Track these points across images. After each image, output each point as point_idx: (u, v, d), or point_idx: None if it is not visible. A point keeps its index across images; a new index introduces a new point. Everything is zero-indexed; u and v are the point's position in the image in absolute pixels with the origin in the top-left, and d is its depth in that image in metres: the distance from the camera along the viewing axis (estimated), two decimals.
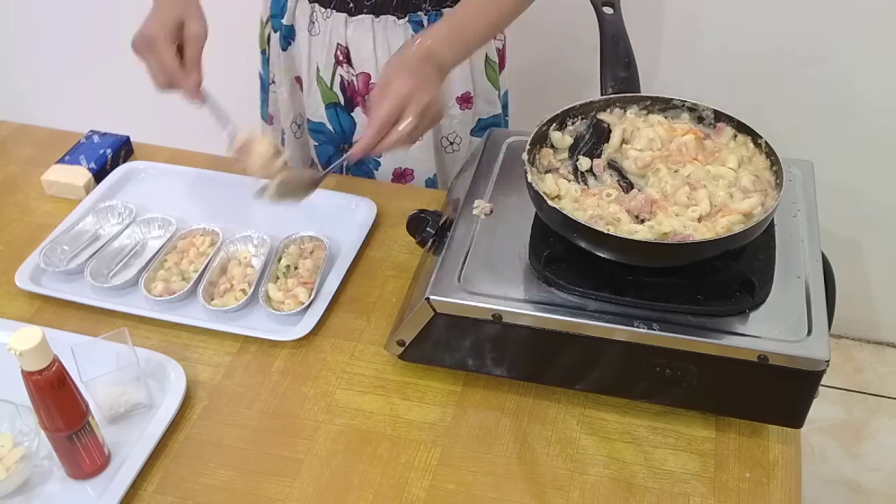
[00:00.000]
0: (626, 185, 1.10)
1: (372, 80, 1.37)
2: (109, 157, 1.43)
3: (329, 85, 1.40)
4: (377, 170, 1.47)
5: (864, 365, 2.28)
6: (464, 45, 1.15)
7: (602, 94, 1.16)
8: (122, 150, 1.46)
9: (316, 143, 1.49)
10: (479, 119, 1.46)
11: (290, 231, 1.25)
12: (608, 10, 1.19)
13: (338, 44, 1.35)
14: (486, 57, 1.41)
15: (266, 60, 1.49)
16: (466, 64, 1.37)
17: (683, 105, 1.14)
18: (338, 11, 1.32)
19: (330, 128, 1.45)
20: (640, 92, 1.16)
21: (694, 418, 1.03)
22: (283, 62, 1.43)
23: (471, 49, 1.19)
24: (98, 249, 1.24)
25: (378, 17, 1.30)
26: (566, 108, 1.13)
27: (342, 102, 1.41)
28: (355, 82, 1.38)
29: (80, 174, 1.38)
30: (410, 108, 1.02)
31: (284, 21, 1.39)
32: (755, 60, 1.89)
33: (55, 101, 2.37)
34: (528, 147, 1.07)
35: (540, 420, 1.03)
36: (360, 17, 1.31)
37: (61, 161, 1.41)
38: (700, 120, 1.14)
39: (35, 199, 1.39)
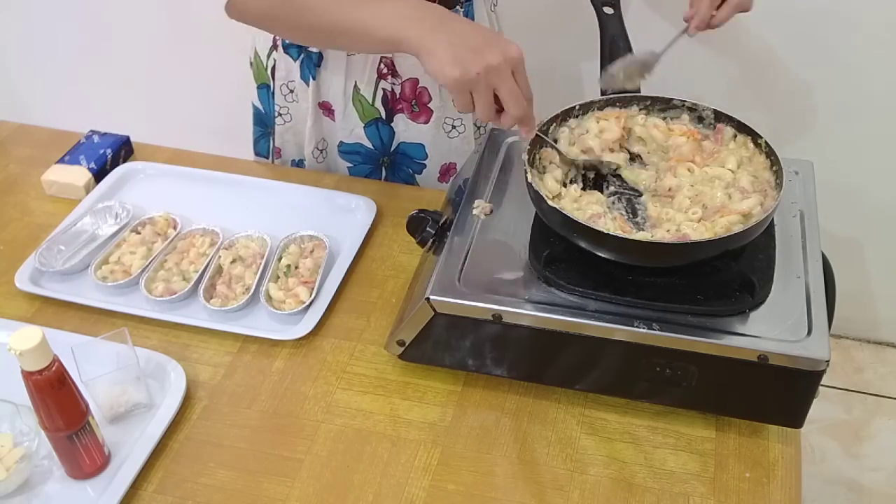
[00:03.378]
0: (627, 199, 1.10)
1: (420, 84, 1.35)
2: (109, 157, 1.43)
3: (371, 101, 1.37)
4: (420, 173, 1.45)
5: (864, 365, 2.28)
6: None
7: (602, 94, 1.16)
8: (122, 150, 1.46)
9: (350, 165, 1.45)
10: None
11: (290, 231, 1.25)
12: (608, 10, 1.19)
13: (381, 57, 1.32)
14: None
15: (270, 94, 1.43)
16: None
17: (683, 105, 1.14)
18: None
19: (369, 145, 1.42)
20: (640, 92, 1.16)
21: (694, 418, 1.03)
22: (311, 91, 1.37)
23: None
24: (94, 249, 1.24)
25: None
26: (566, 108, 1.13)
27: (383, 116, 1.39)
28: (397, 91, 1.36)
29: (80, 174, 1.38)
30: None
31: (312, 49, 1.34)
32: (755, 60, 1.89)
33: (55, 101, 2.37)
34: (527, 147, 1.07)
35: (540, 420, 1.03)
36: None
37: (61, 161, 1.41)
38: (700, 120, 1.14)
39: (35, 199, 1.39)
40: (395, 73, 1.34)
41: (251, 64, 1.45)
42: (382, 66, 1.33)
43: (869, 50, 1.82)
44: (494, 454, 1.00)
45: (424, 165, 1.45)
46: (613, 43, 1.17)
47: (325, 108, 1.40)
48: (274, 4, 1.16)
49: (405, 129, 1.40)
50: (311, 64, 1.35)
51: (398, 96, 1.37)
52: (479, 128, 1.47)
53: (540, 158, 1.11)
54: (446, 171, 1.47)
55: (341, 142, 1.43)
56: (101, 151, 1.42)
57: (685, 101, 1.14)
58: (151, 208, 1.32)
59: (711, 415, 1.03)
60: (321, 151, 1.45)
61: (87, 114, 1.77)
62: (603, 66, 1.17)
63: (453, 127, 1.41)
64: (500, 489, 0.96)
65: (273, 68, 1.40)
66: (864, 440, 2.09)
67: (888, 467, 2.03)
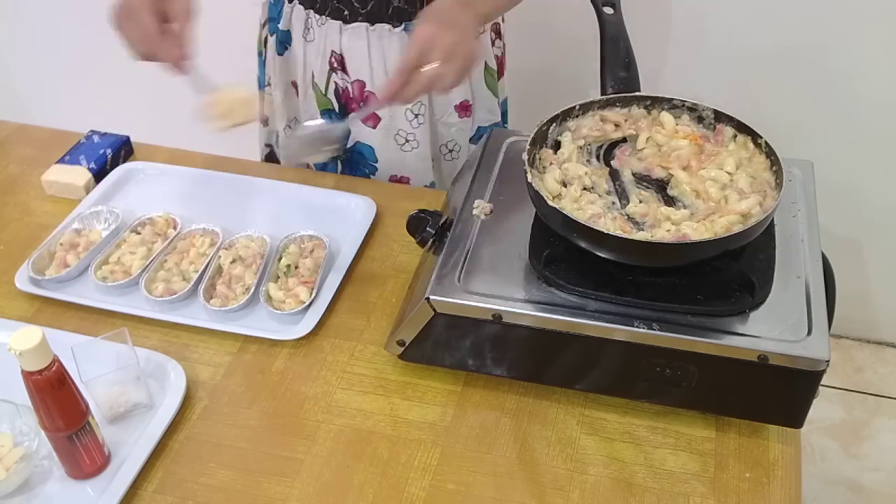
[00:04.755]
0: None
1: (367, 88, 1.36)
2: (109, 157, 1.43)
3: (324, 91, 1.40)
4: (373, 175, 1.47)
5: (864, 365, 2.28)
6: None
7: (602, 94, 1.16)
8: (122, 150, 1.46)
9: None
10: (478, 127, 1.46)
11: (290, 230, 1.25)
12: (608, 10, 1.19)
13: (332, 51, 1.35)
14: (486, 64, 1.40)
15: (263, 63, 1.49)
16: None
17: (683, 105, 1.14)
18: (332, 19, 1.32)
19: None
20: (640, 92, 1.16)
21: (694, 418, 1.03)
22: (279, 66, 1.43)
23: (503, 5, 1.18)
24: (90, 252, 1.23)
25: (373, 25, 1.30)
26: (566, 107, 1.13)
27: (336, 109, 1.41)
28: (350, 89, 1.37)
29: (80, 174, 1.38)
30: (435, 52, 0.99)
31: (281, 26, 1.39)
32: (755, 60, 1.89)
33: (55, 101, 2.37)
34: (528, 147, 1.07)
35: (540, 420, 1.03)
36: (354, 25, 1.31)
37: (61, 161, 1.41)
38: (700, 120, 1.14)
39: (35, 199, 1.39)
40: (344, 69, 1.36)
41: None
42: (333, 59, 1.35)
43: (869, 50, 1.82)
44: (494, 454, 1.00)
45: (376, 169, 1.46)
46: (614, 43, 1.17)
47: (294, 87, 1.44)
48: None
49: (358, 130, 1.42)
50: (280, 43, 1.39)
51: (351, 94, 1.38)
52: (451, 150, 1.47)
53: (540, 158, 1.11)
54: (397, 183, 1.47)
55: (306, 125, 1.43)
56: (101, 151, 1.42)
57: (685, 101, 1.14)
58: (151, 208, 1.31)
59: (711, 415, 1.03)
60: (293, 130, 1.48)
61: (87, 114, 1.77)
62: (603, 65, 1.17)
63: (406, 141, 1.42)
64: (500, 489, 0.96)
65: (266, 39, 1.44)
66: (864, 440, 2.09)
67: (888, 467, 2.03)
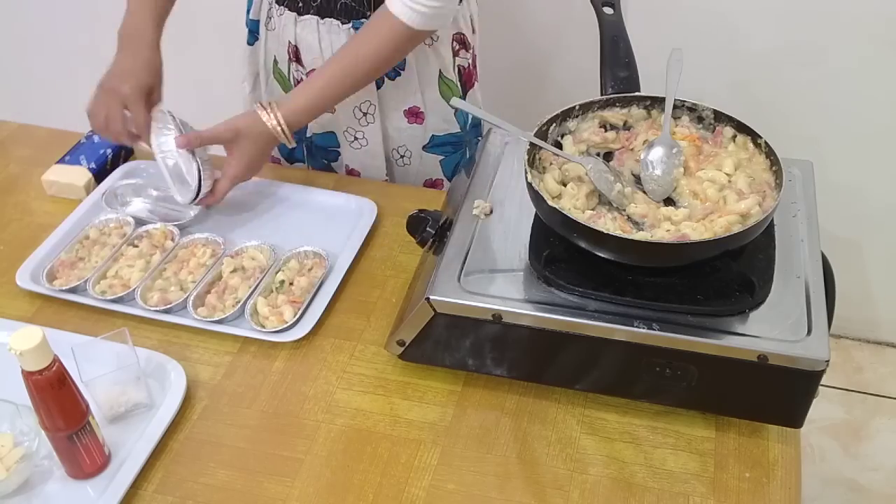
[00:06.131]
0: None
1: None
2: (109, 157, 1.43)
3: (287, 77, 1.41)
4: (336, 161, 1.49)
5: (864, 365, 2.28)
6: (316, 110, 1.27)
7: (602, 94, 1.16)
8: (123, 150, 1.45)
9: None
10: (432, 135, 1.43)
11: (290, 230, 1.25)
12: (608, 10, 1.19)
13: (289, 41, 1.36)
14: (441, 73, 1.37)
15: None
16: (413, 77, 1.35)
17: (683, 105, 1.15)
18: (289, 10, 1.33)
19: None
20: (640, 92, 1.16)
21: (694, 418, 1.03)
22: (249, 57, 1.46)
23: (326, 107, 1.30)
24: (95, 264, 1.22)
25: (323, 19, 1.31)
26: (566, 108, 1.13)
27: None
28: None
29: (80, 174, 1.38)
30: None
31: (251, 16, 1.42)
32: (755, 60, 1.89)
33: (55, 101, 2.36)
34: (527, 147, 1.07)
35: (540, 420, 1.03)
36: (306, 17, 1.32)
37: (61, 161, 1.41)
38: (700, 120, 1.14)
39: (35, 199, 1.39)
40: (299, 60, 1.37)
41: None
42: (289, 50, 1.37)
43: (869, 50, 1.82)
44: (494, 454, 1.00)
45: (338, 153, 1.46)
46: (613, 43, 1.17)
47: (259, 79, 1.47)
48: None
49: (318, 118, 1.39)
50: (251, 33, 1.43)
51: None
52: (402, 156, 1.45)
53: (540, 159, 1.11)
54: (350, 173, 1.49)
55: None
56: (101, 151, 1.42)
57: (685, 101, 1.14)
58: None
59: (711, 415, 1.03)
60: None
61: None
62: (603, 65, 1.17)
63: (355, 139, 1.42)
64: (500, 489, 0.96)
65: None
66: (863, 440, 2.09)
67: (888, 467, 2.03)
